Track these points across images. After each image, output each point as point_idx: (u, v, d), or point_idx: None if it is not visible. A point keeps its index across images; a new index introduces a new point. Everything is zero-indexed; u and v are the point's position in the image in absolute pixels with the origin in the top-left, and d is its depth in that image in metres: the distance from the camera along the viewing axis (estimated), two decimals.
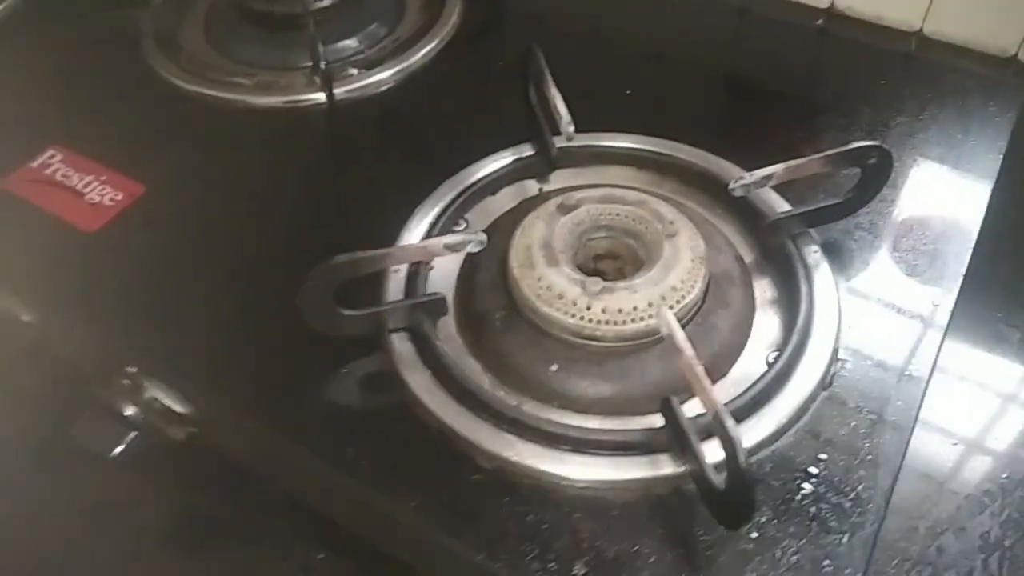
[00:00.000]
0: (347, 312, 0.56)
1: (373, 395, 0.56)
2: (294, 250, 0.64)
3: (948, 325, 0.58)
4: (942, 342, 0.57)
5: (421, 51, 0.82)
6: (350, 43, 0.83)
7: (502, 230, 0.64)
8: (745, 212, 0.64)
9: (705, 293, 0.57)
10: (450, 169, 0.69)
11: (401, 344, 0.57)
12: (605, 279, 0.59)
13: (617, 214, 0.60)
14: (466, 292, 0.61)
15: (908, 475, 0.53)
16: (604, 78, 0.78)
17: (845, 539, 0.48)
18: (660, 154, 0.68)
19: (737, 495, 0.44)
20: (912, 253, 0.62)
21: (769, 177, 0.57)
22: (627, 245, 0.61)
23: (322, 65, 0.75)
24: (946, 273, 0.61)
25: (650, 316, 0.54)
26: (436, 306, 0.58)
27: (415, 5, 0.89)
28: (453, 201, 0.66)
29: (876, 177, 0.59)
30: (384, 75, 0.79)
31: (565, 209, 0.60)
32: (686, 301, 0.55)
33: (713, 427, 0.45)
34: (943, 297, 0.59)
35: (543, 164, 0.69)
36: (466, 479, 0.51)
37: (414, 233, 0.64)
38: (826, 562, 0.47)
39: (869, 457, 0.52)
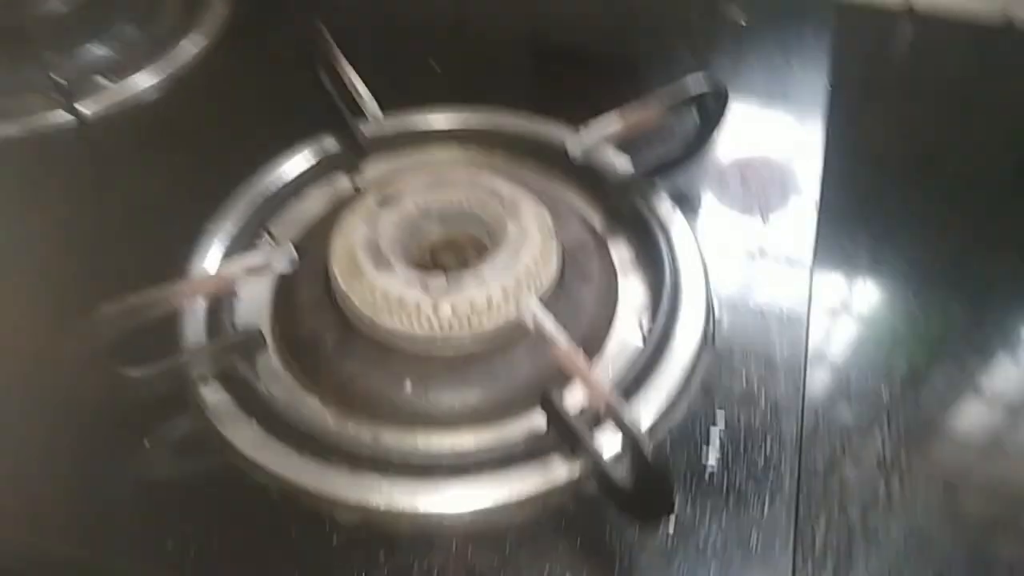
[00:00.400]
0: (134, 373, 0.44)
1: (189, 466, 0.45)
2: (60, 307, 0.51)
3: (814, 258, 0.55)
4: (811, 276, 0.54)
5: (185, 49, 0.70)
6: (94, 49, 0.70)
7: (317, 239, 0.54)
8: (587, 176, 0.58)
9: (562, 269, 0.50)
10: (240, 178, 0.58)
11: (214, 395, 0.46)
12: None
13: (448, 200, 0.52)
14: (285, 319, 0.51)
15: (808, 417, 0.49)
16: (403, 53, 0.70)
17: (766, 507, 0.43)
18: (483, 127, 0.61)
19: (650, 489, 0.37)
20: (762, 191, 0.59)
21: (609, 133, 0.51)
22: (466, 232, 0.53)
23: (58, 79, 0.62)
24: (801, 205, 0.58)
25: (508, 307, 0.47)
26: (250, 343, 0.47)
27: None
28: (250, 212, 0.55)
29: (713, 112, 0.55)
30: (143, 82, 0.67)
31: (386, 202, 0.51)
32: (544, 282, 0.48)
33: (606, 418, 0.39)
34: (803, 230, 0.56)
35: (352, 156, 0.60)
36: (326, 544, 0.42)
37: (208, 260, 0.53)
38: (753, 536, 0.42)
39: (768, 409, 0.47)
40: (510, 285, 0.47)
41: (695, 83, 0.53)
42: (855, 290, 0.62)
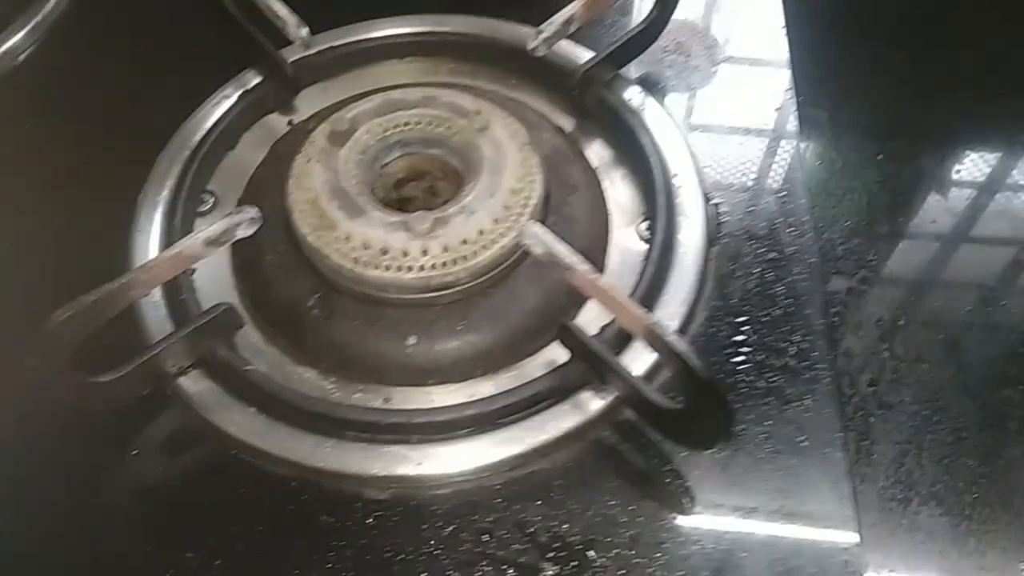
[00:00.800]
0: (104, 378, 0.39)
1: (190, 467, 0.41)
2: None
3: (799, 127, 0.52)
4: (799, 147, 0.51)
5: None
6: None
7: (267, 190, 0.48)
8: (546, 74, 0.52)
9: (546, 184, 0.46)
10: (159, 136, 0.51)
11: (197, 385, 0.42)
12: (424, 207, 0.46)
13: (406, 123, 0.46)
14: (255, 288, 0.45)
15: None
16: None
17: (808, 401, 0.41)
18: (422, 34, 0.55)
19: (706, 410, 0.35)
20: (732, 62, 0.55)
21: (569, 21, 0.46)
22: (431, 157, 0.48)
23: None
24: (773, 74, 0.55)
25: (501, 235, 0.42)
26: (224, 321, 0.42)
27: None
28: (183, 174, 0.49)
29: None
30: (16, 38, 0.57)
31: (339, 138, 0.45)
32: (533, 201, 0.44)
33: (647, 342, 0.36)
34: (781, 99, 0.53)
35: (280, 89, 0.53)
36: (361, 525, 0.38)
37: (147, 236, 0.47)
38: (801, 437, 0.40)
39: (788, 300, 0.45)
40: (499, 212, 0.43)
41: None
42: (845, 152, 0.60)
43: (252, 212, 0.39)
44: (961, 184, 0.70)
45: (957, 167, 0.70)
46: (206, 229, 0.38)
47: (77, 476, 0.40)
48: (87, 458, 0.41)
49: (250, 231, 0.39)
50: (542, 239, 0.38)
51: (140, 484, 0.41)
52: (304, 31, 0.45)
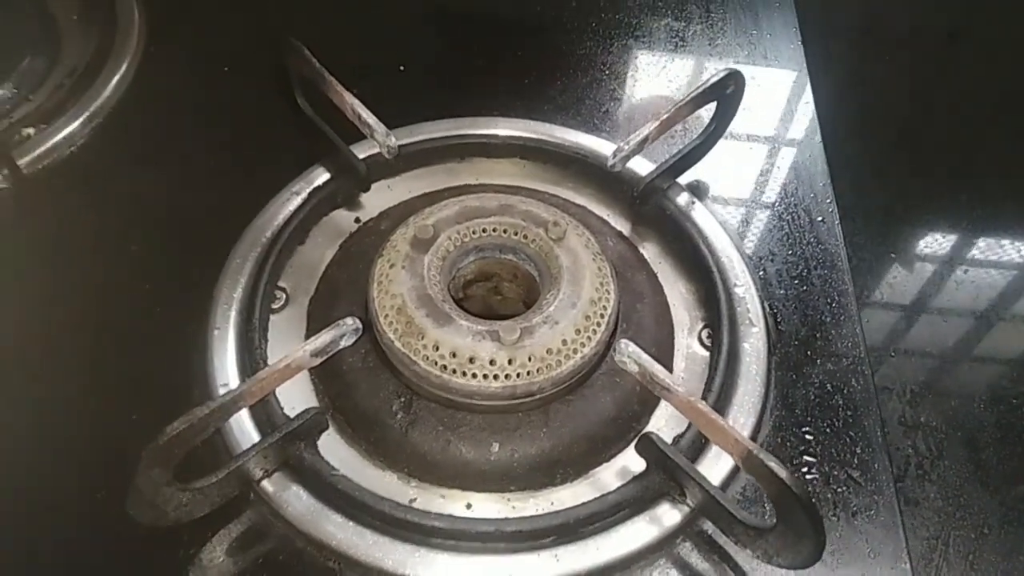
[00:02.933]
0: (198, 484, 0.39)
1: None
2: (66, 421, 0.45)
3: (839, 217, 0.55)
4: (845, 241, 0.54)
5: (111, 80, 0.60)
6: (3, 94, 0.59)
7: (342, 290, 0.49)
8: (609, 182, 0.55)
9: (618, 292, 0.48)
10: (228, 231, 0.52)
11: (281, 490, 0.42)
12: (485, 306, 0.48)
13: (484, 230, 0.48)
14: (337, 392, 0.46)
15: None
16: (361, 56, 0.63)
17: (873, 513, 0.43)
18: (486, 136, 0.57)
19: (801, 531, 0.36)
20: (769, 159, 0.58)
21: (646, 139, 0.49)
22: (502, 261, 0.49)
23: None
24: (811, 169, 0.58)
25: (582, 345, 0.44)
26: (313, 425, 0.42)
27: (69, 20, 0.66)
28: (257, 271, 0.49)
29: (732, 104, 0.53)
30: (73, 126, 0.58)
31: (422, 245, 0.47)
32: (609, 311, 0.46)
33: (746, 465, 0.37)
34: (822, 201, 0.56)
35: (349, 186, 0.54)
36: None
37: (225, 333, 0.47)
38: (868, 549, 0.42)
39: (848, 412, 0.47)
40: (580, 321, 0.44)
41: (724, 81, 0.51)
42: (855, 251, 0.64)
43: (354, 324, 0.40)
44: (948, 273, 0.74)
45: (969, 251, 0.74)
46: (313, 341, 0.39)
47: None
48: (170, 559, 0.40)
49: (351, 341, 0.40)
50: (637, 359, 0.39)
51: None
52: (392, 140, 0.47)
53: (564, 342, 0.44)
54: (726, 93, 0.52)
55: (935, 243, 0.77)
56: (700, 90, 0.50)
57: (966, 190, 0.80)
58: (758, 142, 0.60)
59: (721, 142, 0.57)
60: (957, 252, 0.76)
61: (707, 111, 0.54)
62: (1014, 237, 0.78)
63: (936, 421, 0.65)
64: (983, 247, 0.76)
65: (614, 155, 0.48)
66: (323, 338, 0.39)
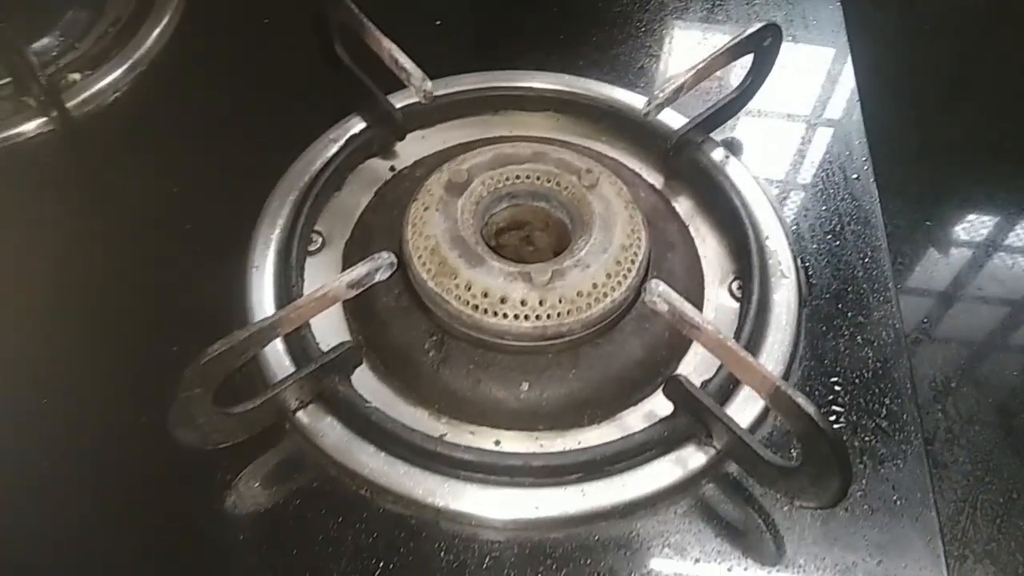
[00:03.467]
0: (237, 409, 0.40)
1: (312, 501, 0.42)
2: (111, 351, 0.46)
3: (878, 185, 0.54)
4: (880, 207, 0.53)
5: (153, 30, 0.62)
6: (50, 41, 0.61)
7: (377, 234, 0.50)
8: (642, 135, 0.55)
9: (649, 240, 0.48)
10: (266, 175, 0.53)
11: (316, 420, 0.43)
12: (516, 255, 0.49)
13: (517, 176, 0.49)
14: (370, 330, 0.47)
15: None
16: (402, 11, 0.64)
17: (900, 462, 0.44)
18: (521, 89, 0.57)
19: (827, 468, 0.37)
20: (806, 120, 0.58)
21: (680, 88, 0.49)
22: (535, 209, 0.50)
23: (40, 75, 0.53)
24: (848, 129, 0.58)
25: (612, 289, 0.44)
26: (347, 359, 0.44)
27: None
28: (295, 215, 0.50)
29: (768, 58, 0.53)
30: (117, 73, 0.59)
31: (456, 189, 0.47)
32: (640, 257, 0.46)
33: (774, 402, 0.38)
34: (858, 158, 0.56)
35: (385, 135, 0.55)
36: (479, 567, 0.40)
37: (263, 273, 0.48)
38: (895, 496, 0.42)
39: (877, 363, 0.47)
40: (611, 266, 0.45)
41: (761, 32, 0.51)
42: (891, 218, 0.64)
43: (390, 258, 0.41)
44: (984, 246, 0.73)
45: (1008, 234, 0.73)
46: (349, 272, 0.40)
47: (199, 499, 0.42)
48: (208, 484, 0.42)
49: (387, 275, 0.41)
50: (667, 297, 0.40)
51: (258, 511, 0.42)
52: (428, 85, 0.48)
53: (595, 285, 0.44)
54: (763, 46, 0.52)
55: (975, 222, 0.76)
56: (736, 40, 0.50)
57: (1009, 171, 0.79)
58: (795, 101, 0.60)
59: (757, 99, 0.57)
60: (998, 233, 0.75)
61: (744, 69, 0.54)
62: None
63: (967, 386, 0.65)
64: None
65: (648, 103, 0.48)
66: (359, 270, 0.40)
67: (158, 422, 0.38)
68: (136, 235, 0.51)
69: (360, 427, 0.43)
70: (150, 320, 0.47)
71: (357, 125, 0.55)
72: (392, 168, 0.55)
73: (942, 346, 0.67)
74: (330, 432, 0.43)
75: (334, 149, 0.54)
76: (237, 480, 0.42)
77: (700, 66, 0.49)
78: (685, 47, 0.63)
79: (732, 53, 0.51)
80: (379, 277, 0.41)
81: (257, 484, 0.42)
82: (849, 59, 0.62)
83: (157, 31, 0.62)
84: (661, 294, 0.40)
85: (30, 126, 0.55)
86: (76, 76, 0.58)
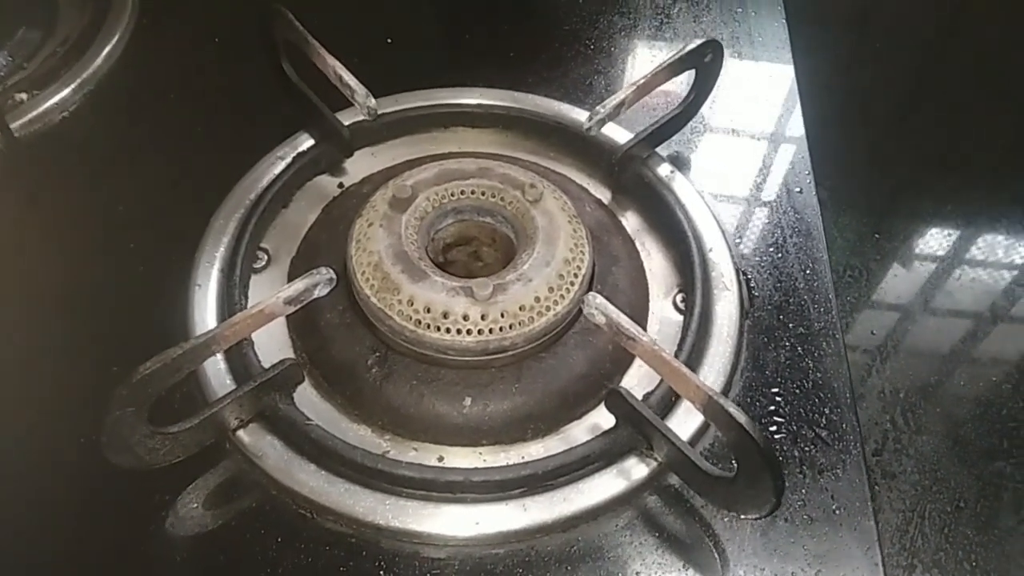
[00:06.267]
0: (173, 429, 0.40)
1: (250, 521, 0.41)
2: (50, 371, 0.46)
3: (821, 201, 0.55)
4: (825, 228, 0.54)
5: (103, 50, 0.62)
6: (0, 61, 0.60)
7: (322, 250, 0.50)
8: (588, 150, 0.56)
9: (592, 254, 0.49)
10: (213, 193, 0.53)
11: (256, 439, 0.43)
12: (466, 271, 0.49)
13: (462, 192, 0.49)
14: (313, 346, 0.47)
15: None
16: (352, 29, 0.64)
17: (839, 471, 0.44)
18: (469, 106, 0.57)
19: (761, 478, 0.37)
20: (752, 136, 0.59)
21: (621, 104, 0.49)
22: (481, 224, 0.50)
23: None
24: (791, 144, 0.59)
25: (555, 303, 0.45)
26: (288, 376, 0.43)
27: None
28: (240, 232, 0.50)
29: (710, 74, 0.54)
30: (65, 92, 0.59)
31: (400, 204, 0.48)
32: (583, 271, 0.46)
33: (708, 413, 0.38)
34: (800, 171, 0.57)
35: (333, 152, 0.55)
36: None
37: (206, 291, 0.48)
38: (834, 505, 0.43)
39: (818, 374, 0.48)
40: (553, 280, 0.45)
41: (701, 49, 0.51)
42: (840, 231, 0.65)
43: (328, 273, 0.41)
44: (932, 259, 0.75)
45: (956, 247, 0.74)
46: (287, 288, 0.40)
47: (137, 520, 0.41)
48: (146, 505, 0.41)
49: (326, 291, 0.41)
50: (604, 310, 0.40)
51: (197, 532, 0.41)
52: (372, 102, 0.48)
53: (537, 299, 0.44)
54: (704, 62, 0.53)
55: (923, 235, 0.78)
56: (677, 56, 0.51)
57: (957, 184, 0.81)
58: (740, 116, 0.61)
59: (704, 114, 0.58)
60: (946, 247, 0.77)
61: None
62: (1010, 234, 0.78)
63: (915, 397, 0.66)
64: (981, 245, 0.77)
65: (590, 118, 0.49)
66: (297, 286, 0.40)
67: (95, 443, 0.38)
68: (79, 255, 0.51)
69: (301, 445, 0.42)
70: (90, 340, 0.47)
71: (305, 142, 0.55)
72: (340, 185, 0.55)
73: (891, 357, 0.68)
74: (270, 451, 0.42)
75: (281, 166, 0.54)
76: (176, 501, 0.42)
77: (641, 82, 0.50)
78: (633, 64, 0.64)
79: (673, 69, 0.52)
80: (318, 293, 0.41)
81: (196, 505, 0.42)
82: (793, 75, 0.63)
83: (106, 51, 0.62)
84: (598, 306, 0.40)
85: None
86: (23, 96, 0.58)
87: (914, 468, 0.63)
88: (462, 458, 0.44)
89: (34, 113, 0.57)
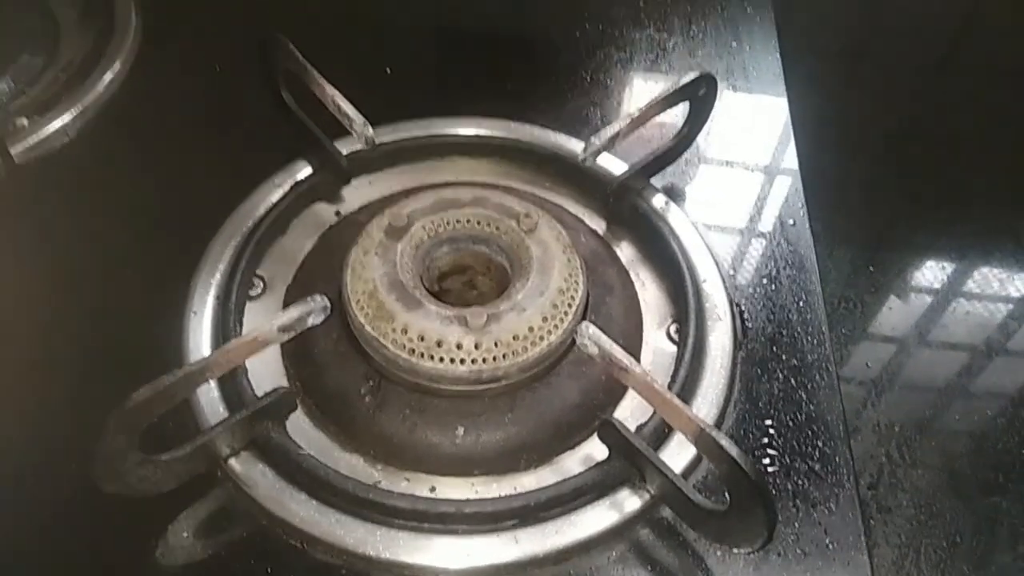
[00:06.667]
0: (165, 457, 0.40)
1: (239, 550, 0.41)
2: (44, 398, 0.46)
3: (815, 238, 0.56)
4: (818, 260, 0.55)
5: (104, 76, 0.62)
6: (1, 87, 0.61)
7: (318, 278, 0.50)
8: (583, 181, 0.56)
9: (587, 284, 0.49)
10: (210, 220, 0.53)
11: (248, 468, 0.42)
12: (461, 300, 0.49)
13: (458, 221, 0.49)
14: (307, 374, 0.47)
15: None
16: (351, 58, 0.65)
17: (833, 505, 0.44)
18: (466, 137, 0.58)
19: (754, 512, 0.37)
20: (746, 169, 0.60)
21: (616, 135, 0.50)
22: (476, 253, 0.50)
23: None
24: (785, 176, 0.59)
25: (548, 333, 0.45)
26: (281, 404, 0.43)
27: (69, 19, 0.68)
28: (236, 259, 0.50)
29: (704, 107, 0.54)
30: (65, 118, 0.59)
31: (396, 233, 0.48)
32: (577, 301, 0.46)
33: (700, 445, 0.38)
34: (794, 204, 0.57)
35: (330, 180, 0.56)
36: None
37: (201, 318, 0.48)
38: (827, 539, 0.43)
39: (811, 406, 0.48)
40: (547, 310, 0.45)
41: (695, 83, 0.52)
42: (835, 263, 0.65)
43: (323, 301, 0.41)
44: (928, 291, 0.75)
45: (951, 280, 0.75)
46: (281, 316, 0.40)
47: (127, 549, 0.41)
48: (136, 534, 0.41)
49: (320, 319, 0.41)
50: (597, 340, 0.40)
51: (187, 562, 0.41)
52: (370, 131, 0.48)
53: (531, 329, 0.44)
54: (698, 95, 0.53)
55: (918, 268, 0.78)
56: (672, 89, 0.52)
57: (952, 217, 0.81)
58: (734, 149, 0.61)
59: (698, 147, 0.58)
60: (941, 279, 0.77)
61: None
62: (1005, 267, 0.78)
63: (910, 430, 0.65)
64: (976, 278, 0.77)
65: (585, 148, 0.49)
66: (291, 314, 0.40)
67: (86, 470, 0.38)
68: (75, 281, 0.51)
69: (292, 475, 0.42)
70: (85, 367, 0.47)
71: (303, 170, 0.56)
72: (338, 213, 0.56)
73: (886, 390, 0.68)
74: (262, 480, 0.42)
75: (279, 194, 0.54)
76: (166, 530, 0.41)
77: (636, 114, 0.51)
78: (629, 96, 0.65)
79: (668, 101, 0.52)
80: (312, 321, 0.41)
81: (187, 534, 0.41)
82: (787, 108, 0.64)
83: (108, 77, 0.62)
84: (591, 336, 0.40)
85: None
86: (24, 121, 0.58)
87: (909, 502, 0.62)
88: (454, 488, 0.44)
89: (35, 138, 0.57)
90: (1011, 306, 0.76)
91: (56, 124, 0.59)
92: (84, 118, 0.60)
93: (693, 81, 0.52)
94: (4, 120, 0.58)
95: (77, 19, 0.68)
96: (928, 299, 0.76)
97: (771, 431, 0.46)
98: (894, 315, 0.73)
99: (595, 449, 0.45)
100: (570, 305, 0.46)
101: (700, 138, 0.57)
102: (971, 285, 0.77)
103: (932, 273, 0.77)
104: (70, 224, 0.54)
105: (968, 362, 0.72)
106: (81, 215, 0.55)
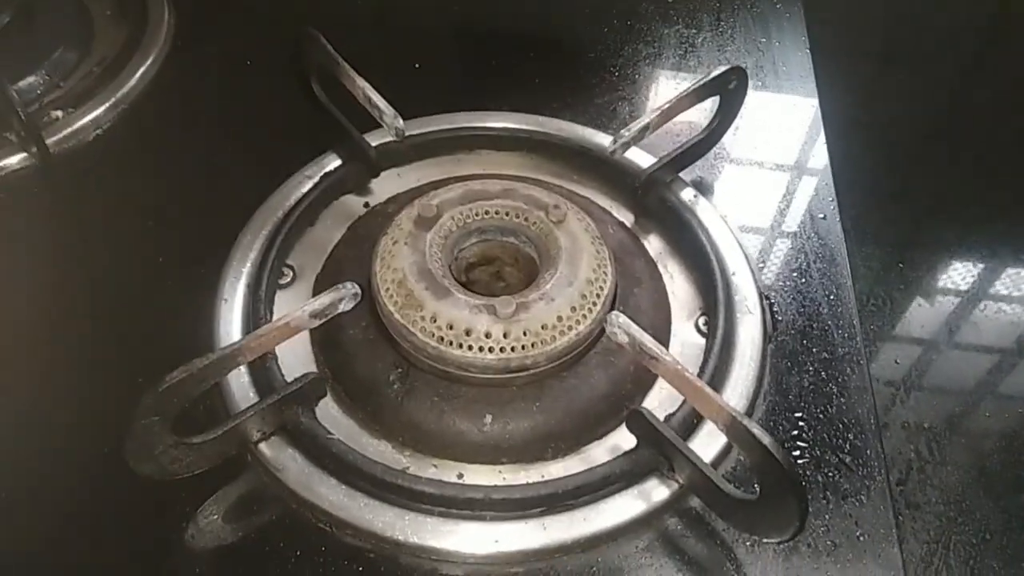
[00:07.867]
0: (196, 439, 0.40)
1: (270, 534, 0.41)
2: (78, 382, 0.47)
3: (845, 230, 0.55)
4: (848, 256, 0.54)
5: (137, 70, 0.63)
6: (35, 80, 0.62)
7: (347, 267, 0.51)
8: (611, 174, 0.56)
9: (615, 275, 0.49)
10: (242, 210, 0.54)
11: (278, 452, 0.43)
12: (488, 291, 0.49)
13: (487, 212, 0.49)
14: (336, 362, 0.47)
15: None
16: (381, 54, 0.65)
17: (864, 497, 0.43)
18: (495, 130, 0.58)
19: (785, 501, 0.37)
20: (775, 165, 0.59)
21: (646, 128, 0.50)
22: (504, 244, 0.50)
23: (20, 112, 0.54)
24: (814, 171, 0.59)
25: (577, 322, 0.45)
26: (311, 390, 0.44)
27: (103, 15, 0.69)
28: (266, 248, 0.51)
29: (734, 101, 0.54)
30: (99, 111, 0.60)
31: (425, 223, 0.48)
32: (606, 292, 0.46)
33: (731, 433, 0.38)
34: (824, 199, 0.57)
35: (360, 172, 0.56)
36: None
37: (232, 305, 0.49)
38: (858, 532, 0.42)
39: (841, 399, 0.47)
40: (576, 300, 0.45)
41: (726, 75, 0.52)
42: (864, 260, 0.64)
43: (353, 288, 0.41)
44: (957, 291, 0.74)
45: (980, 278, 0.74)
46: (312, 302, 0.40)
47: (157, 531, 0.41)
48: (167, 516, 0.42)
49: (351, 306, 0.41)
50: (627, 329, 0.40)
51: (216, 544, 0.41)
52: (400, 122, 0.49)
53: (559, 318, 0.44)
54: (728, 88, 0.53)
55: (947, 266, 0.77)
56: (702, 82, 0.52)
57: (982, 215, 0.80)
58: (764, 143, 0.61)
59: (728, 141, 0.58)
60: (970, 277, 0.76)
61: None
62: None
63: (940, 427, 0.65)
64: (1005, 279, 0.76)
65: (614, 141, 0.49)
66: (322, 300, 0.41)
67: (120, 456, 0.38)
68: (108, 269, 0.52)
69: (321, 459, 0.42)
70: (118, 352, 0.48)
71: (333, 162, 0.56)
72: (366, 204, 0.56)
73: (915, 387, 0.67)
74: (291, 464, 0.43)
75: (309, 185, 0.54)
76: (196, 513, 0.42)
77: (666, 107, 0.51)
78: (657, 91, 0.65)
79: (697, 95, 0.52)
80: (343, 307, 0.41)
81: (216, 517, 0.42)
82: (817, 105, 0.63)
83: (141, 71, 0.63)
84: (621, 325, 0.40)
85: (10, 161, 0.56)
86: (58, 113, 0.59)
87: (939, 499, 0.61)
88: (482, 476, 0.44)
89: (69, 130, 0.58)
90: None
91: (90, 117, 0.60)
92: (117, 111, 0.61)
93: (723, 74, 0.52)
94: (39, 112, 0.59)
95: (111, 15, 0.69)
96: (957, 298, 0.75)
97: (801, 423, 0.46)
98: (924, 313, 0.73)
99: (623, 439, 0.45)
100: (599, 295, 0.46)
101: (728, 134, 0.57)
102: (1000, 285, 0.76)
103: (962, 272, 0.77)
104: (103, 213, 0.55)
105: (998, 361, 0.71)
106: (113, 205, 0.55)
